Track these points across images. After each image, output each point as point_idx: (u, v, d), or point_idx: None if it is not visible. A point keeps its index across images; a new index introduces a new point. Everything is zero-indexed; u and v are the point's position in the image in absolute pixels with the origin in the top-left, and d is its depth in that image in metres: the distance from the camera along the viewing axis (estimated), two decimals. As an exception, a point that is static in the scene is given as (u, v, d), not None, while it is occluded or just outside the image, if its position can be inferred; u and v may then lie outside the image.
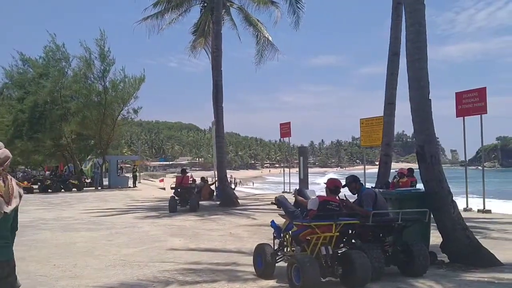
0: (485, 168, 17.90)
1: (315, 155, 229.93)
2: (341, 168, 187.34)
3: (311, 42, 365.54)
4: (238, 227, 11.29)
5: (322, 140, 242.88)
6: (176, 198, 15.28)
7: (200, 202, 18.71)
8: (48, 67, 30.37)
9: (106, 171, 35.76)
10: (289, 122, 25.02)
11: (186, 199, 15.27)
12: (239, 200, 19.82)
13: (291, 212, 6.08)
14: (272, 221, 6.40)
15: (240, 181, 73.86)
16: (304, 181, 22.86)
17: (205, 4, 22.08)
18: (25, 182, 27.81)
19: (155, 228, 11.26)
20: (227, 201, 16.63)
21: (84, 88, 30.19)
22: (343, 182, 6.48)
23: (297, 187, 6.94)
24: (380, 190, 11.50)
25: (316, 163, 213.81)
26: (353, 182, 6.52)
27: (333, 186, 5.90)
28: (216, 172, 18.77)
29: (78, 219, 13.33)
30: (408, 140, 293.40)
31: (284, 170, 27.18)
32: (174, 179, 26.45)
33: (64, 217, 13.92)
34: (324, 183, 6.07)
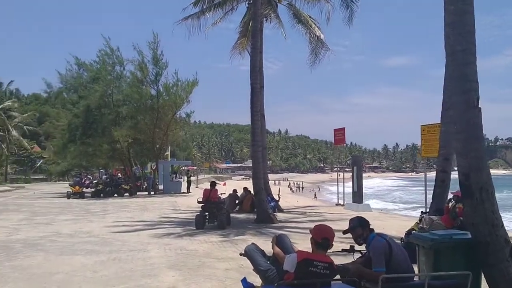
0: None
1: (389, 159, 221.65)
2: (416, 173, 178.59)
3: (384, 43, 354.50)
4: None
5: (397, 143, 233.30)
6: (205, 213, 13.92)
7: (239, 215, 17.41)
8: (100, 71, 30.40)
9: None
10: (343, 128, 22.86)
11: (214, 214, 13.80)
12: (283, 213, 18.18)
13: (262, 272, 4.30)
14: (244, 279, 4.63)
15: (302, 186, 71.86)
16: (358, 194, 20.68)
17: (251, 1, 20.57)
18: (77, 187, 27.86)
19: (163, 253, 9.83)
20: (262, 217, 14.94)
21: (136, 92, 29.85)
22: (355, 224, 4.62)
23: (277, 233, 4.98)
24: (434, 217, 9.38)
25: (390, 168, 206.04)
26: (358, 227, 4.61)
27: (321, 238, 4.04)
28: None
29: (93, 236, 12.32)
30: (490, 144, 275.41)
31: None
32: (222, 186, 25.51)
33: (82, 232, 13.01)
34: (310, 230, 4.24)
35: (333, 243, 4.18)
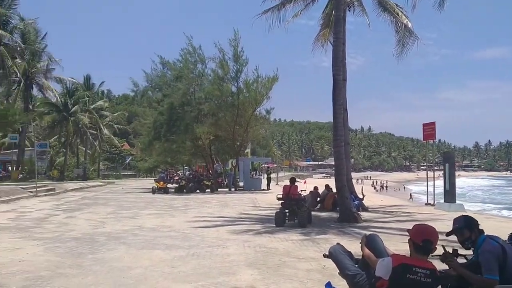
0: None
1: (481, 157, 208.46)
2: (511, 172, 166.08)
3: (475, 34, 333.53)
4: (341, 256, 8.90)
5: (489, 140, 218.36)
6: (285, 210, 13.46)
7: (321, 213, 16.81)
8: (183, 70, 31.12)
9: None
10: (433, 123, 21.37)
11: (294, 212, 13.29)
12: (367, 212, 17.28)
13: (350, 277, 3.72)
14: (328, 284, 4.07)
15: (386, 185, 69.30)
16: (450, 193, 19.19)
17: (334, -10, 19.81)
18: (161, 183, 28.69)
19: (241, 250, 9.51)
20: (345, 216, 14.20)
21: (217, 89, 30.22)
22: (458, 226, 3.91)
23: (367, 233, 4.31)
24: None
25: (482, 166, 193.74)
26: (465, 229, 3.88)
27: (422, 240, 3.38)
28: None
29: (174, 230, 12.33)
30: None
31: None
32: (303, 184, 24.94)
33: (163, 226, 13.11)
34: (408, 230, 3.58)
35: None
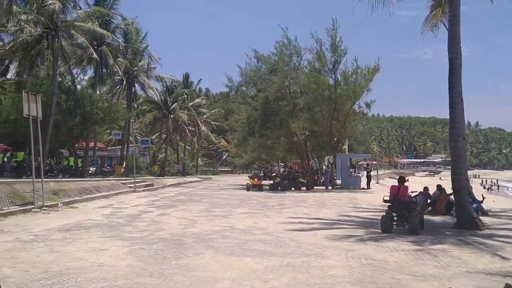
0: None
1: None
2: None
3: None
4: (470, 275, 7.19)
5: None
6: (392, 214, 11.78)
7: (433, 218, 14.84)
8: (278, 63, 30.12)
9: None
10: None
11: (404, 216, 11.56)
12: (487, 217, 14.88)
13: None
14: None
15: (497, 184, 63.06)
16: None
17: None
18: (255, 179, 27.99)
19: (344, 261, 8.11)
20: (464, 221, 12.14)
21: (313, 82, 28.77)
22: None
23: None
24: None
25: None
26: None
27: None
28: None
29: (267, 233, 11.24)
30: None
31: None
32: (411, 185, 22.64)
33: (256, 228, 12.10)
34: None
35: None
